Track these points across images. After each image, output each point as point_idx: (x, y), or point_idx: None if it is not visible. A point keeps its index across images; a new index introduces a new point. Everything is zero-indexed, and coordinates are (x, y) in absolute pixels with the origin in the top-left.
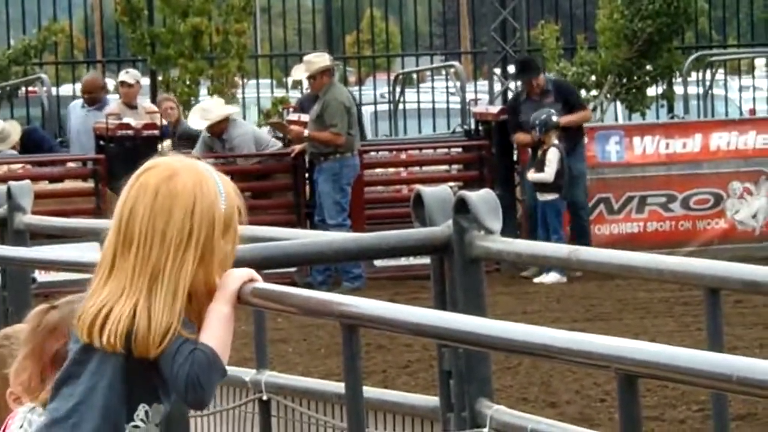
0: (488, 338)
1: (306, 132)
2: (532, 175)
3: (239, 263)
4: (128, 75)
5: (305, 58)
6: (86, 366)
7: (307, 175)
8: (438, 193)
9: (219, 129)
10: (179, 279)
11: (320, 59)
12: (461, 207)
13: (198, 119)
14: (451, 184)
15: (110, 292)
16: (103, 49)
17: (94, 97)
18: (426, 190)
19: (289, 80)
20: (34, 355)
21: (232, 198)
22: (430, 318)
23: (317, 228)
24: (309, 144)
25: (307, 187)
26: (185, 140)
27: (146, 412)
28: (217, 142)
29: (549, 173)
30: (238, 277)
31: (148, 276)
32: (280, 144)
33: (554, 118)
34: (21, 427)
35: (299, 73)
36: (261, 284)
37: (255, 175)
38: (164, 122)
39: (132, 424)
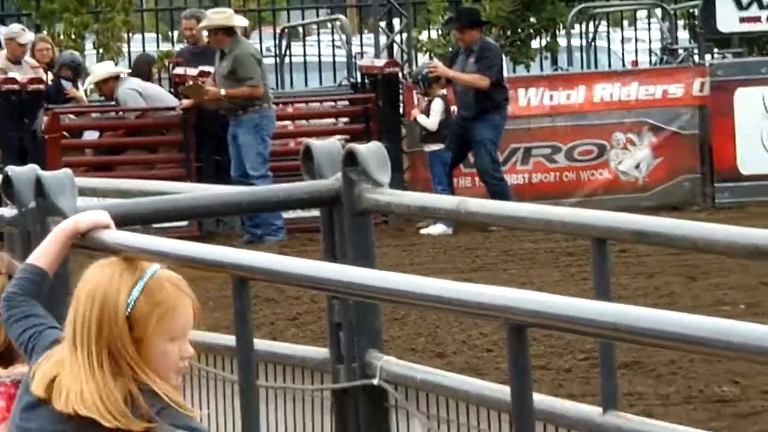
0: (381, 290)
1: (222, 91)
2: (418, 117)
3: (130, 216)
4: (22, 35)
5: (207, 13)
6: None
7: (195, 130)
8: (327, 146)
9: (108, 89)
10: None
11: (218, 16)
12: (350, 160)
13: (87, 81)
14: (338, 137)
15: None
16: None
17: None
18: (315, 143)
19: (175, 34)
20: None
21: (151, 301)
22: (323, 270)
23: (234, 184)
24: (226, 102)
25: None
26: (67, 70)
27: None
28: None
29: (433, 122)
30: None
31: None
32: (177, 101)
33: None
34: None
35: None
36: (150, 237)
37: (145, 131)
38: (49, 83)
39: None
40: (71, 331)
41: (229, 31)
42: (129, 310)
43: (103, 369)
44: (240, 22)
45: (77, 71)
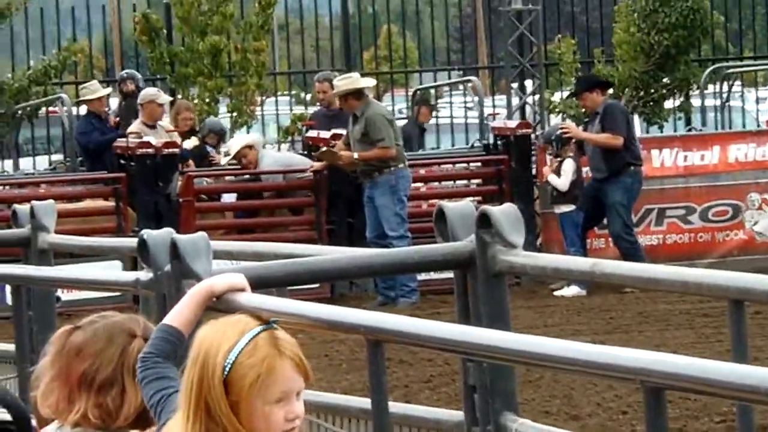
0: (516, 352)
1: (355, 155)
2: (550, 177)
3: (265, 279)
4: (160, 96)
5: (334, 81)
6: None
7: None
8: (460, 208)
9: (248, 161)
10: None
11: (344, 81)
12: (483, 222)
13: (226, 159)
14: (471, 199)
15: None
16: (122, 69)
17: None
18: (448, 205)
19: (308, 96)
20: (61, 377)
21: (246, 365)
22: (457, 333)
23: (369, 246)
24: (360, 164)
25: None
26: (213, 137)
27: None
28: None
29: (563, 182)
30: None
31: None
32: (311, 162)
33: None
34: None
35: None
36: (284, 300)
37: (277, 193)
38: (185, 147)
39: None
40: (181, 390)
41: (358, 94)
42: (226, 372)
43: (200, 430)
44: (367, 83)
45: (222, 137)
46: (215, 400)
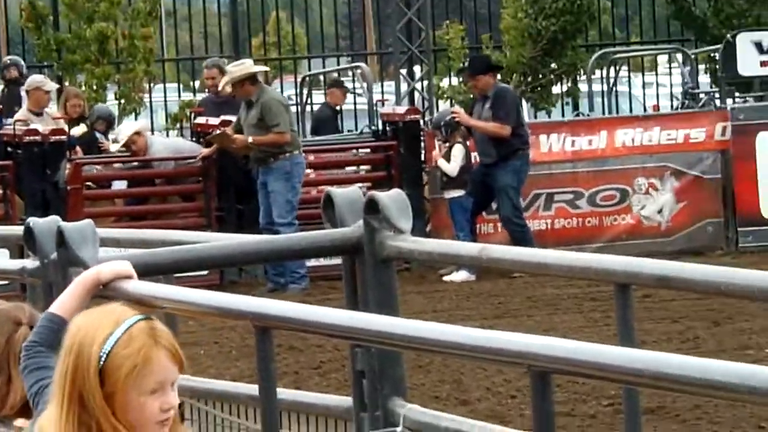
0: (403, 338)
1: (250, 139)
2: (439, 161)
3: (152, 267)
4: (47, 83)
5: (227, 68)
6: None
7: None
8: (348, 194)
9: (138, 147)
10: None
11: (238, 68)
12: (371, 207)
13: (116, 145)
14: (360, 185)
15: None
16: (8, 55)
17: None
18: (336, 191)
19: (197, 83)
20: None
21: (122, 355)
22: (344, 319)
23: (263, 233)
24: (254, 149)
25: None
26: (102, 123)
27: None
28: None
29: (453, 167)
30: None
31: None
32: (201, 149)
33: (456, 119)
34: None
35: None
36: (171, 287)
37: (166, 180)
38: (73, 134)
39: None
40: (54, 381)
41: (253, 80)
42: (102, 362)
43: (73, 422)
44: (260, 69)
45: (111, 124)
46: (89, 391)
